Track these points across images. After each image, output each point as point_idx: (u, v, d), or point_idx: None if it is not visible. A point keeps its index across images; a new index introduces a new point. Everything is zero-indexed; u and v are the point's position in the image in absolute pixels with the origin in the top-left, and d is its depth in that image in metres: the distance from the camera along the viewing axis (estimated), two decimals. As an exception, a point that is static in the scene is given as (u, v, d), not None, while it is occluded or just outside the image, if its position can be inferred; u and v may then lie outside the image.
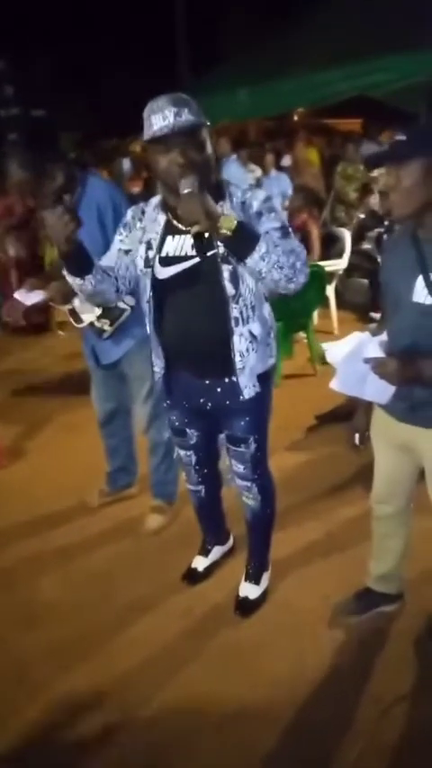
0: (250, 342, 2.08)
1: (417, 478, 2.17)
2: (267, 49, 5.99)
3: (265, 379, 2.20)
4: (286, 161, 8.40)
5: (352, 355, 1.74)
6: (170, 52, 12.09)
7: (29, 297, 2.82)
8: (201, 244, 1.87)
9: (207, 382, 2.19)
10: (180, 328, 2.11)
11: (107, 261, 2.15)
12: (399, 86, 4.94)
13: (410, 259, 1.80)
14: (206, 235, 1.81)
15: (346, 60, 4.83)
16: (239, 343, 2.06)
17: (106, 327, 2.66)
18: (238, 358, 2.08)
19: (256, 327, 2.09)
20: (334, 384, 1.82)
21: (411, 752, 1.93)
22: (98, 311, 2.64)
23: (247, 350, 2.09)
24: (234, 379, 2.12)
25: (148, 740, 2.02)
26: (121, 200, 2.60)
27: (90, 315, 2.67)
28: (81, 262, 1.96)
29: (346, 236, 5.95)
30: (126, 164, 8.12)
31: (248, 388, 2.14)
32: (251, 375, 2.13)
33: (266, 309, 2.16)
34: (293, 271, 1.87)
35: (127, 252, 2.13)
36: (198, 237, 1.83)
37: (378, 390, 1.79)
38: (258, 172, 7.85)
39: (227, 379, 2.14)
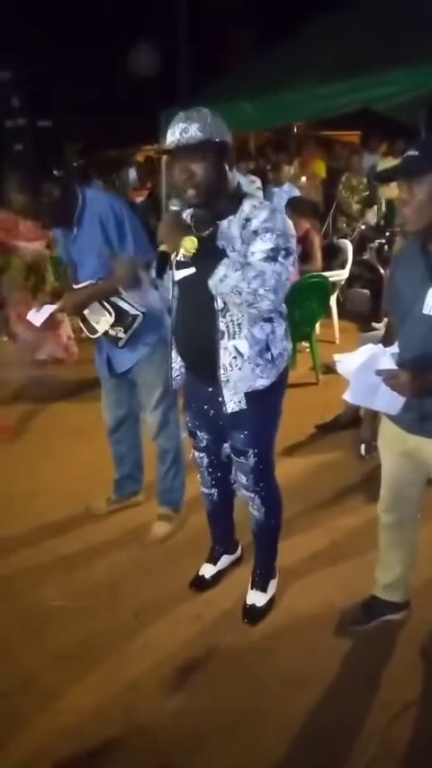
0: (234, 357, 2.12)
1: (424, 487, 2.20)
2: (271, 61, 6.03)
3: (256, 398, 2.19)
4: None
5: (364, 367, 1.76)
6: (174, 63, 12.27)
7: (38, 316, 2.84)
8: (164, 261, 2.05)
9: (210, 390, 2.23)
10: (185, 330, 2.23)
11: None
12: (401, 99, 4.97)
13: (420, 271, 1.83)
14: (173, 255, 2.01)
15: (350, 73, 4.86)
16: (224, 356, 2.12)
17: (121, 335, 2.68)
18: (221, 370, 2.14)
19: (242, 345, 2.11)
20: (346, 395, 1.85)
21: (421, 757, 1.94)
22: (111, 319, 2.67)
23: (230, 365, 2.13)
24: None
25: (158, 745, 2.03)
26: (121, 208, 2.63)
27: (103, 324, 2.69)
28: None
29: (348, 247, 6.00)
30: (132, 173, 8.17)
31: (233, 403, 2.18)
32: (235, 390, 2.16)
33: (261, 330, 2.13)
34: (254, 296, 1.93)
35: None
36: (163, 256, 2.03)
37: (389, 402, 1.82)
38: (258, 183, 7.92)
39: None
